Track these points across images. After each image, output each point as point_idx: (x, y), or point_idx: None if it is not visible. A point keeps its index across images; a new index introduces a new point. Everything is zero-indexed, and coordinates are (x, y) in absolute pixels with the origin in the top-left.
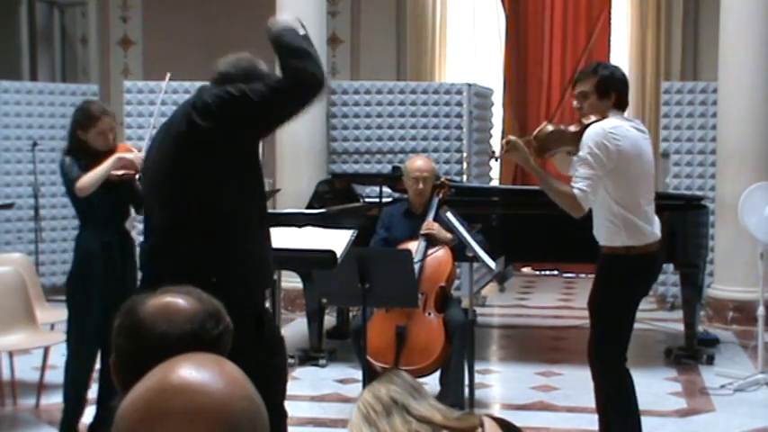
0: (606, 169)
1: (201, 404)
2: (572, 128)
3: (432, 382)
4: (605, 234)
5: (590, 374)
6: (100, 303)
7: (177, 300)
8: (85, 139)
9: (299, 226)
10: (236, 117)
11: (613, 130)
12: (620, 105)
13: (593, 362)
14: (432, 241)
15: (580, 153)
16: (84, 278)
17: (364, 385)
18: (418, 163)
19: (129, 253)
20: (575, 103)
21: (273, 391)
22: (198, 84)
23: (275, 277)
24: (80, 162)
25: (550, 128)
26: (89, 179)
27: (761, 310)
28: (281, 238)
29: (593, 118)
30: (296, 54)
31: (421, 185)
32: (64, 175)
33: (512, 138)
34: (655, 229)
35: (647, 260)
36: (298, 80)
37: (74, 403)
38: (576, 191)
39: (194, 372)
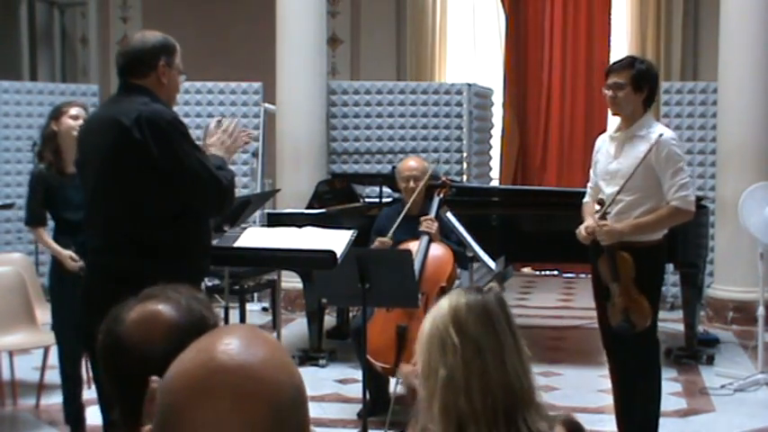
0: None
1: (252, 389)
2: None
3: None
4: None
5: (590, 375)
6: (77, 302)
7: (158, 312)
8: (58, 129)
9: (299, 226)
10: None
11: (674, 136)
12: (649, 101)
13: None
14: (432, 239)
15: (667, 164)
16: (61, 278)
17: (364, 385)
18: (410, 163)
19: None
20: (609, 93)
21: None
22: (198, 84)
23: (275, 277)
24: (48, 181)
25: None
26: (42, 241)
27: (761, 310)
28: (281, 238)
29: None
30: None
31: (411, 183)
32: (30, 184)
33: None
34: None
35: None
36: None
37: (68, 397)
38: (678, 202)
39: (245, 352)
